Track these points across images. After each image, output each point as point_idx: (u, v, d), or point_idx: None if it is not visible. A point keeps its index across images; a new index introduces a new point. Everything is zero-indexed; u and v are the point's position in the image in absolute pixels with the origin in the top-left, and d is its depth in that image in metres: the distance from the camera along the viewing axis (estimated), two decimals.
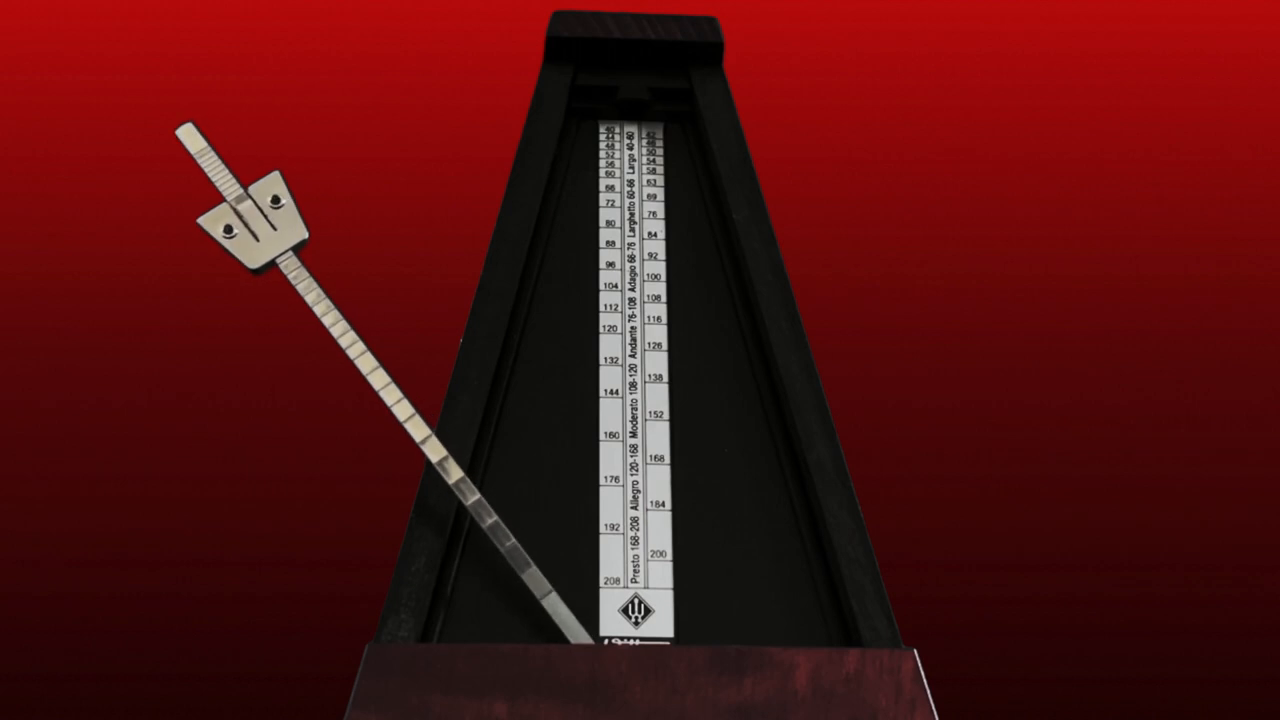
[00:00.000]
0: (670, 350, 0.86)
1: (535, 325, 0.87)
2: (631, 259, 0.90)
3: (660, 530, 0.80)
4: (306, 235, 0.81)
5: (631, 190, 0.92)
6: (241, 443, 1.00)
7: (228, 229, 0.81)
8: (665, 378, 0.85)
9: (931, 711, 0.71)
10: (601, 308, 0.88)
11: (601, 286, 0.88)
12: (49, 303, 1.04)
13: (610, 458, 0.82)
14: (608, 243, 0.90)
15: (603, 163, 0.94)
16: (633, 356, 0.86)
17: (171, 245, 1.06)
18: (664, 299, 0.88)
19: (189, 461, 1.00)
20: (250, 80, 1.12)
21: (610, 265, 0.89)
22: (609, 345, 0.86)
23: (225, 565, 0.97)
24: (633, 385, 0.85)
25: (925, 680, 0.72)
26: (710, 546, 0.80)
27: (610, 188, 0.92)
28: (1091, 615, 0.98)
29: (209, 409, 1.01)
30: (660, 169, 0.93)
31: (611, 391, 0.84)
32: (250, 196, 0.82)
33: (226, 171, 0.82)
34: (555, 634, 0.76)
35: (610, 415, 0.84)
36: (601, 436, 0.83)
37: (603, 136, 0.95)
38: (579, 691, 0.71)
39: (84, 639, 0.94)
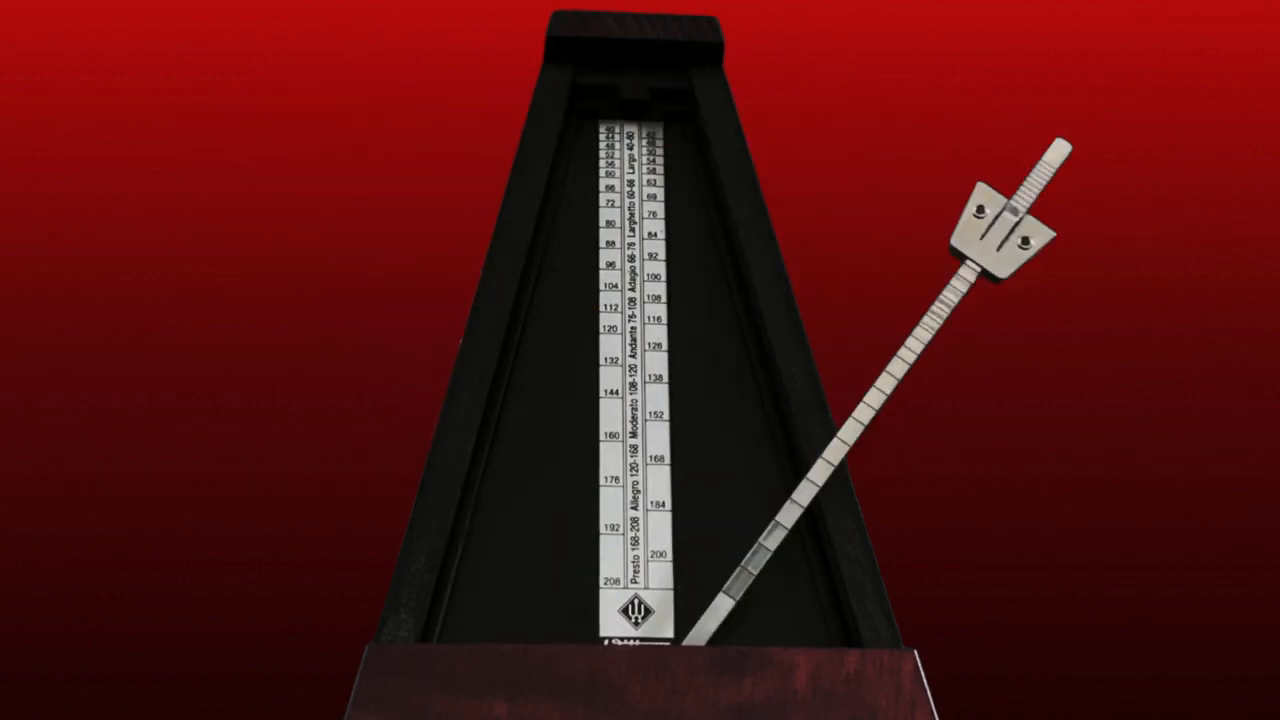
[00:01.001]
0: (670, 350, 0.86)
1: (535, 325, 0.87)
2: (631, 259, 0.90)
3: (660, 530, 0.80)
4: (1000, 277, 0.83)
5: (631, 190, 0.92)
6: (241, 443, 1.00)
7: (983, 214, 0.83)
8: (665, 378, 0.85)
9: (931, 712, 0.71)
10: (602, 308, 0.88)
11: (601, 286, 0.88)
12: (49, 303, 1.04)
13: (610, 458, 0.82)
14: (608, 243, 0.90)
15: (603, 163, 0.94)
16: (633, 357, 0.86)
17: (171, 245, 1.06)
18: (664, 299, 0.88)
19: (189, 461, 0.99)
20: (250, 80, 1.12)
21: (610, 265, 0.89)
22: (609, 345, 0.86)
23: (225, 565, 0.97)
24: (633, 385, 0.85)
25: (925, 680, 0.72)
26: (710, 547, 0.80)
27: (610, 188, 0.92)
28: (1091, 615, 0.98)
29: (209, 409, 1.01)
30: (660, 169, 0.93)
31: (611, 392, 0.84)
32: (1020, 216, 0.83)
33: (1038, 189, 0.84)
34: (555, 634, 0.76)
35: (610, 415, 0.84)
36: (601, 437, 0.83)
37: (603, 136, 0.95)
38: (579, 691, 0.71)
39: (84, 639, 0.94)
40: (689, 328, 0.87)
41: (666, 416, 0.84)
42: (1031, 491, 1.01)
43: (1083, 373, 1.05)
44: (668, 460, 0.82)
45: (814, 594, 0.79)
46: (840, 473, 0.80)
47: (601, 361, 0.86)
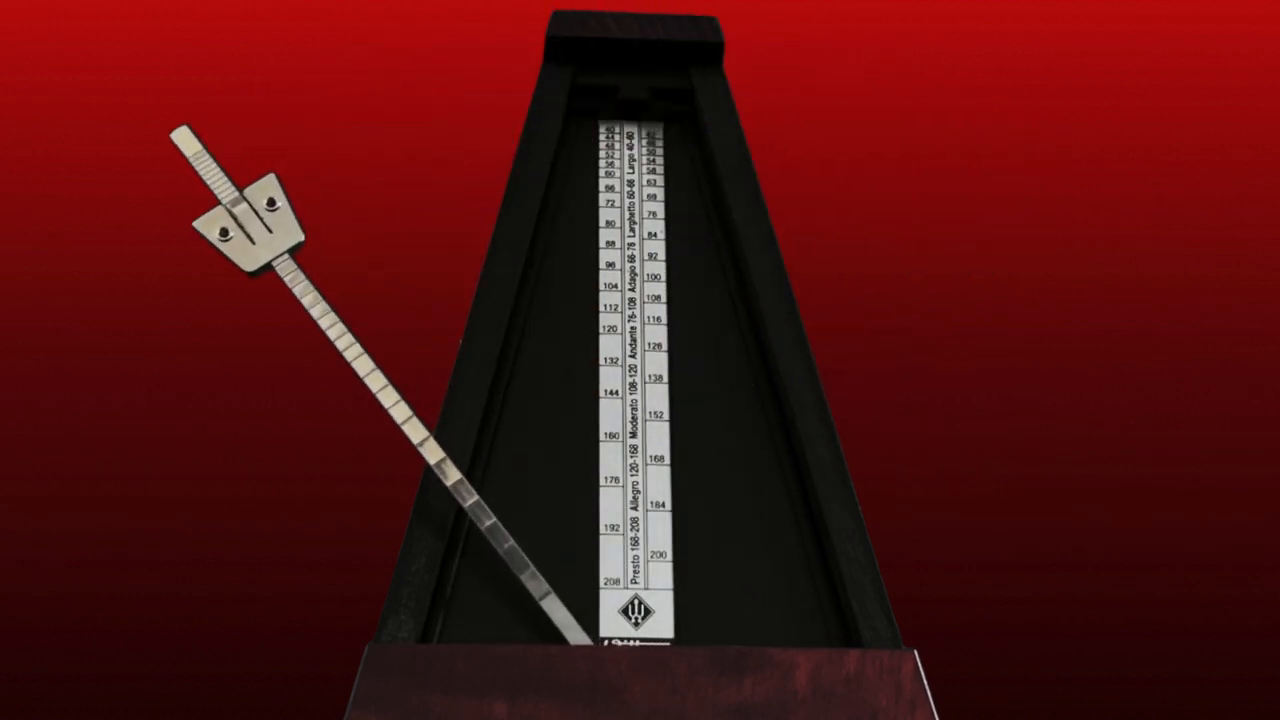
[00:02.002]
0: (670, 350, 0.86)
1: (535, 325, 0.87)
2: (631, 259, 0.89)
3: (660, 531, 0.80)
4: (302, 238, 0.81)
5: (631, 190, 0.92)
6: (241, 443, 1.00)
7: (223, 232, 0.81)
8: (665, 378, 0.85)
9: (931, 712, 0.71)
10: (601, 308, 0.88)
11: (601, 286, 0.88)
12: (49, 303, 1.04)
13: (610, 458, 0.82)
14: (608, 243, 0.90)
15: (603, 163, 0.94)
16: (633, 357, 0.86)
17: (171, 245, 1.06)
18: (664, 299, 0.88)
19: (189, 461, 0.99)
20: (250, 80, 1.12)
21: (610, 265, 0.89)
22: (609, 345, 0.86)
23: (225, 565, 0.97)
24: (633, 386, 0.85)
25: (925, 680, 0.72)
26: (710, 547, 0.80)
27: (610, 188, 0.92)
28: (1091, 615, 0.98)
29: (209, 409, 1.01)
30: (660, 169, 0.93)
31: (611, 392, 0.84)
32: (246, 199, 0.82)
33: (222, 174, 0.82)
34: (555, 634, 0.76)
35: (610, 415, 0.84)
36: (601, 437, 0.83)
37: (603, 136, 0.95)
38: (579, 692, 0.71)
39: (84, 639, 0.94)
40: (689, 328, 0.87)
41: (666, 416, 0.84)
42: (1031, 491, 1.01)
43: (1083, 373, 1.05)
44: (668, 460, 0.82)
45: (814, 594, 0.79)
46: (840, 472, 0.80)
47: (601, 361, 0.86)
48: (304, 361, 1.02)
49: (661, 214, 0.92)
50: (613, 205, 0.92)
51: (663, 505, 0.81)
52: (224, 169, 0.82)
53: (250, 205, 0.81)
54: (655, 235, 0.91)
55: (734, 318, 0.88)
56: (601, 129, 0.95)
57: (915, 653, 0.73)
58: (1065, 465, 1.02)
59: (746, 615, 0.77)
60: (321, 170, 1.09)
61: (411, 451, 0.79)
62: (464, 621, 0.77)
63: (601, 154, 0.94)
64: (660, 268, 0.89)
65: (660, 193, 0.92)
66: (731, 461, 0.83)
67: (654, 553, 0.79)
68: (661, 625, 0.78)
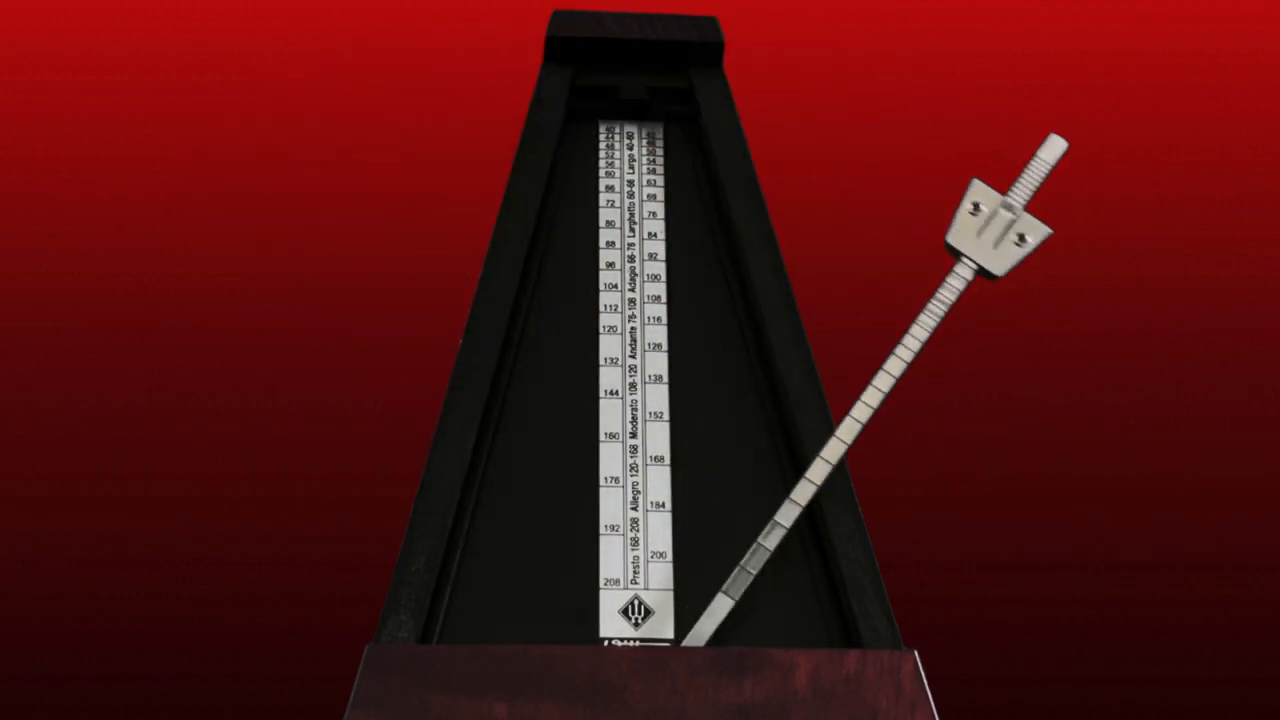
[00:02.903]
0: (670, 351, 0.86)
1: (535, 325, 0.87)
2: (631, 259, 0.89)
3: (660, 531, 0.80)
4: (997, 274, 0.82)
5: (631, 190, 0.92)
6: (241, 443, 1.00)
7: (979, 212, 0.83)
8: (665, 378, 0.85)
9: (932, 712, 0.71)
10: (602, 308, 0.88)
11: (601, 287, 0.88)
12: (49, 303, 1.04)
13: (610, 458, 0.82)
14: (608, 243, 0.90)
15: (603, 163, 0.94)
16: (633, 357, 0.86)
17: (171, 245, 1.06)
18: (664, 299, 0.88)
19: (189, 461, 1.00)
20: (250, 80, 1.12)
21: (610, 265, 0.89)
22: (609, 346, 0.86)
23: (225, 565, 0.97)
24: (633, 386, 0.85)
25: (925, 681, 0.72)
26: (710, 547, 0.80)
27: (610, 188, 0.92)
28: (1091, 615, 0.98)
29: (209, 409, 1.01)
30: (660, 169, 0.93)
31: (611, 392, 0.84)
32: (1016, 214, 0.83)
33: (1034, 186, 0.84)
34: (555, 635, 0.76)
35: (610, 416, 0.84)
36: (601, 437, 0.83)
37: (603, 136, 0.95)
38: (579, 692, 0.71)
39: (84, 639, 0.94)
40: (689, 328, 0.87)
41: (666, 417, 0.84)
42: (1031, 491, 1.01)
43: (1083, 373, 1.05)
44: (668, 461, 0.82)
45: (814, 594, 0.79)
46: (840, 472, 0.80)
47: (601, 362, 0.86)
48: (304, 361, 1.02)
49: (661, 214, 0.92)
50: (613, 205, 0.92)
51: (663, 505, 0.81)
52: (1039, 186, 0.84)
53: (1013, 218, 0.82)
54: (655, 235, 0.91)
55: (734, 318, 0.88)
56: (601, 129, 0.95)
57: (915, 653, 0.73)
58: (1065, 465, 1.02)
59: (746, 615, 0.77)
60: (321, 170, 1.09)
61: (412, 451, 0.79)
62: (464, 621, 0.77)
63: (601, 154, 0.94)
64: (660, 268, 0.89)
65: (660, 193, 0.92)
66: (731, 461, 0.83)
67: (654, 553, 0.79)
68: (661, 625, 0.78)
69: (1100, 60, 1.16)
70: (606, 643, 0.77)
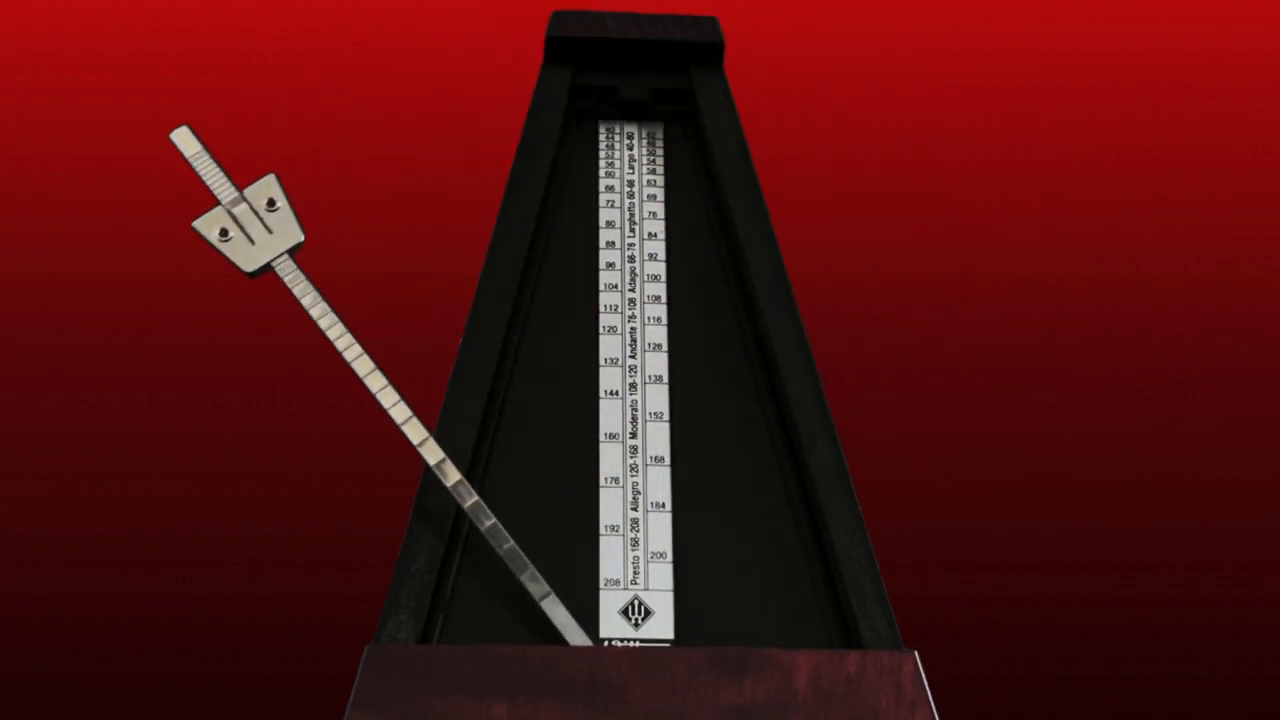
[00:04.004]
0: (670, 351, 0.86)
1: (535, 325, 0.87)
2: (631, 259, 0.89)
3: (660, 532, 0.80)
4: (302, 238, 0.81)
5: (631, 190, 0.92)
6: (241, 443, 1.00)
7: (223, 232, 0.81)
8: (665, 379, 0.85)
9: (932, 712, 0.71)
10: (602, 308, 0.88)
11: (601, 287, 0.88)
12: (49, 303, 1.04)
13: (610, 459, 0.82)
14: (608, 243, 0.90)
15: (603, 163, 0.94)
16: (633, 357, 0.86)
17: (171, 245, 1.06)
18: (664, 299, 0.88)
19: (189, 461, 1.00)
20: (250, 80, 1.12)
21: (610, 265, 0.89)
22: (609, 346, 0.86)
23: (225, 565, 0.97)
24: (633, 386, 0.85)
25: (925, 681, 0.72)
26: (710, 548, 0.80)
27: (610, 188, 0.92)
28: (1091, 615, 0.98)
29: (209, 409, 1.01)
30: (660, 169, 0.93)
31: (611, 392, 0.84)
32: (246, 199, 0.82)
33: (221, 174, 0.82)
34: (555, 635, 0.76)
35: (610, 416, 0.84)
36: (601, 437, 0.83)
37: (603, 136, 0.95)
38: (579, 692, 0.71)
39: (84, 639, 0.94)
40: (689, 328, 0.87)
41: (666, 417, 0.84)
42: (1031, 491, 1.01)
43: (1083, 373, 1.05)
44: (668, 461, 0.82)
45: (814, 594, 0.79)
46: (840, 472, 0.80)
47: (601, 362, 0.86)
48: (304, 361, 1.02)
49: (661, 214, 0.92)
50: (613, 205, 0.92)
51: (663, 506, 0.81)
52: (224, 169, 0.82)
53: (250, 205, 0.81)
54: (655, 235, 0.91)
55: (734, 318, 0.88)
56: (601, 129, 0.95)
57: (915, 653, 0.73)
58: (1065, 465, 1.02)
59: (746, 616, 0.77)
60: (321, 171, 1.09)
61: (411, 451, 0.79)
62: (464, 622, 0.77)
63: (601, 154, 0.94)
64: (660, 268, 0.89)
65: (660, 193, 0.92)
66: (731, 462, 0.83)
67: (654, 553, 0.79)
68: (661, 626, 0.78)
69: (1100, 60, 1.16)
70: (606, 643, 0.77)
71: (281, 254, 0.81)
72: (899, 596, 0.77)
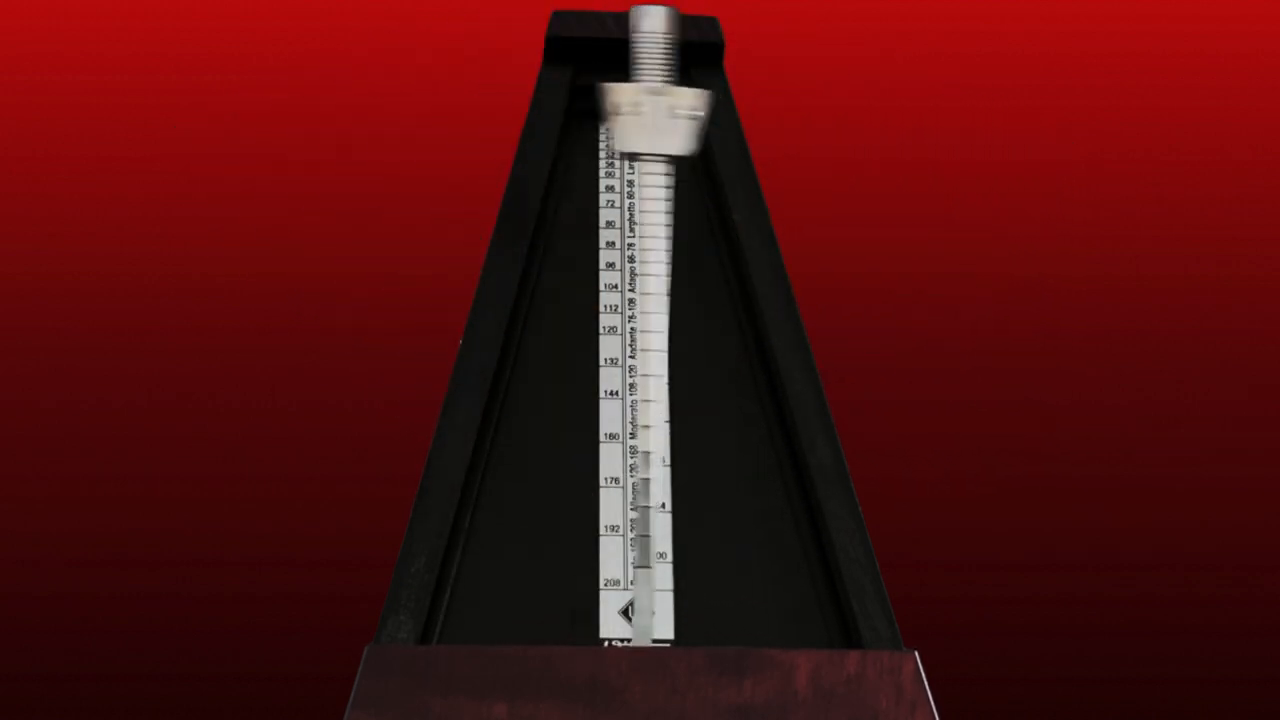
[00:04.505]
0: (670, 352, 0.86)
1: (535, 325, 0.87)
2: (631, 259, 0.89)
3: (660, 532, 0.80)
4: (688, 152, 0.79)
5: (631, 190, 0.92)
6: (241, 443, 1.00)
7: (627, 107, 0.80)
8: (665, 379, 0.85)
9: (932, 713, 0.71)
10: (602, 308, 0.87)
11: (602, 287, 0.88)
12: (49, 303, 1.04)
13: (610, 459, 0.82)
14: (608, 243, 0.90)
15: (603, 163, 0.93)
16: (633, 357, 0.86)
17: (171, 245, 1.06)
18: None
19: (189, 461, 1.00)
20: (250, 80, 1.12)
21: (610, 266, 0.89)
22: (609, 346, 0.86)
23: (225, 565, 0.97)
24: (633, 386, 0.85)
25: (926, 682, 0.72)
26: (710, 548, 0.80)
27: (610, 188, 0.92)
28: (1091, 615, 0.98)
29: (209, 409, 1.01)
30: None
31: (611, 393, 0.84)
32: (667, 94, 0.79)
33: (666, 61, 0.80)
34: (555, 636, 0.76)
35: (610, 416, 0.84)
36: (601, 438, 0.83)
37: (603, 136, 0.95)
38: (579, 692, 0.71)
39: (84, 639, 0.95)
40: (689, 328, 0.87)
41: (666, 418, 0.84)
42: (1031, 491, 1.01)
43: (1083, 373, 1.05)
44: (667, 461, 0.82)
45: (814, 594, 0.79)
46: (840, 472, 0.80)
47: (601, 362, 0.85)
48: (304, 361, 1.02)
49: None
50: (613, 205, 0.92)
51: (663, 506, 0.81)
52: (676, 59, 0.80)
53: (670, 100, 0.80)
54: None
55: (734, 318, 0.88)
56: (602, 129, 0.95)
57: (916, 654, 0.73)
58: (1065, 465, 1.02)
59: (746, 616, 0.77)
60: (320, 170, 1.09)
61: (412, 451, 0.79)
62: (464, 622, 0.77)
63: (601, 154, 0.94)
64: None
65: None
66: (731, 462, 0.83)
67: (654, 554, 0.79)
68: (661, 626, 0.77)
69: (1100, 60, 1.16)
70: (607, 643, 0.77)
71: (660, 155, 0.80)
72: (899, 596, 0.77)
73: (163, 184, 1.08)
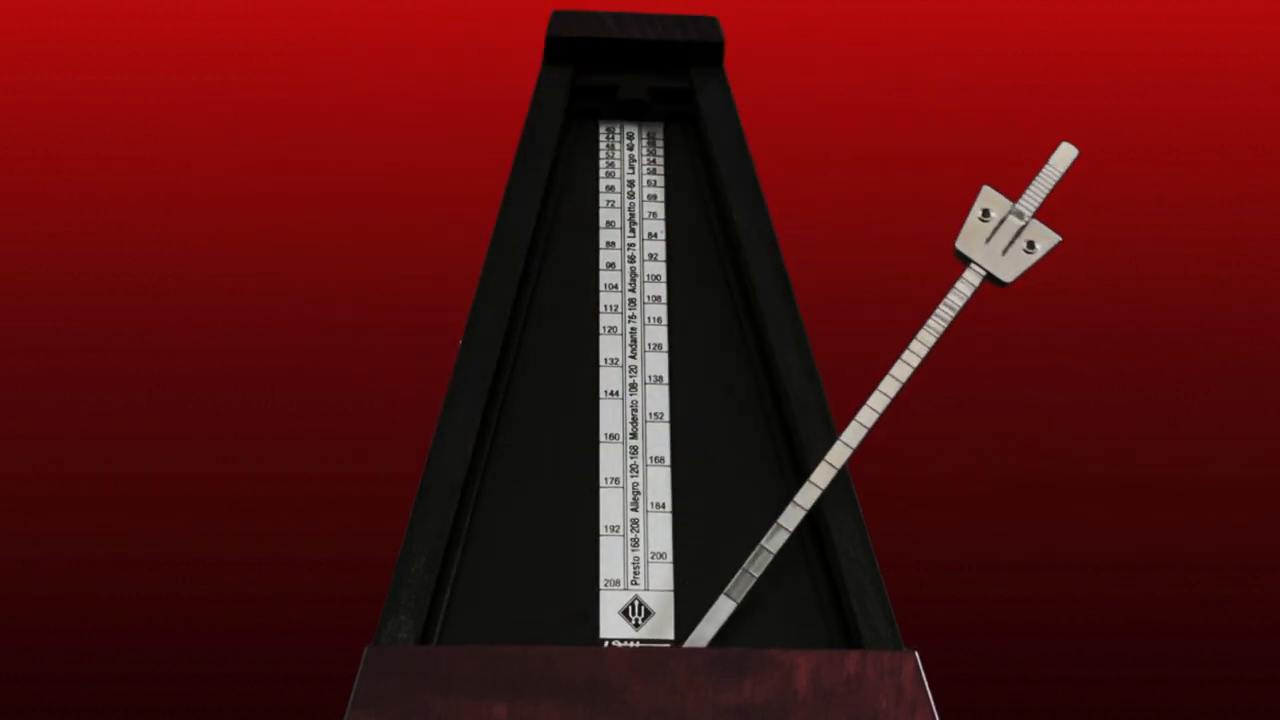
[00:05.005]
0: (670, 351, 0.86)
1: (535, 326, 0.87)
2: (631, 259, 0.90)
3: (660, 532, 0.80)
4: (1006, 281, 0.83)
5: (631, 190, 0.92)
6: (241, 443, 1.00)
7: (988, 218, 0.83)
8: (665, 379, 0.85)
9: (932, 713, 0.71)
10: (602, 308, 0.88)
11: (602, 287, 0.88)
12: (49, 303, 1.04)
13: (610, 459, 0.82)
14: (608, 243, 0.90)
15: (603, 163, 0.94)
16: (633, 358, 0.86)
17: (171, 245, 1.06)
18: (664, 300, 0.88)
19: (189, 461, 1.00)
20: (250, 80, 1.12)
21: (610, 266, 0.89)
22: (609, 346, 0.86)
23: (225, 565, 0.97)
24: (633, 386, 0.85)
25: (926, 682, 0.72)
26: (710, 548, 0.80)
27: (610, 188, 0.92)
28: (1091, 615, 0.98)
29: (209, 409, 1.01)
30: (660, 169, 0.93)
31: (612, 393, 0.84)
32: (1026, 220, 0.83)
33: (1044, 193, 0.84)
34: (555, 636, 0.76)
35: (610, 416, 0.84)
36: (602, 438, 0.83)
37: (603, 136, 0.95)
38: (579, 692, 0.71)
39: (84, 639, 0.94)
40: (689, 328, 0.87)
41: (667, 418, 0.84)
42: (1031, 491, 1.01)
43: (1083, 373, 1.05)
44: (668, 461, 0.82)
45: (814, 594, 0.79)
46: (841, 473, 0.80)
47: (601, 362, 0.86)
48: (304, 361, 1.02)
49: (661, 214, 0.92)
50: (613, 205, 0.92)
51: (663, 506, 0.81)
52: (1047, 194, 0.84)
53: (1022, 224, 0.83)
54: (655, 235, 0.91)
55: (734, 318, 0.88)
56: (601, 129, 0.95)
57: (916, 654, 0.73)
58: (1065, 465, 1.02)
59: (746, 616, 0.77)
60: (321, 170, 1.09)
61: (412, 451, 0.79)
62: (464, 622, 0.77)
63: (601, 154, 0.94)
64: (660, 268, 0.89)
65: (660, 193, 0.92)
66: (731, 462, 0.83)
67: (654, 554, 0.79)
68: (662, 626, 0.78)
69: (1100, 60, 1.16)
70: (607, 643, 0.77)
71: (986, 273, 0.83)
72: (899, 596, 0.77)
73: (163, 184, 1.08)
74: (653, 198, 0.92)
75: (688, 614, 0.78)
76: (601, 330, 0.87)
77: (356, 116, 1.11)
